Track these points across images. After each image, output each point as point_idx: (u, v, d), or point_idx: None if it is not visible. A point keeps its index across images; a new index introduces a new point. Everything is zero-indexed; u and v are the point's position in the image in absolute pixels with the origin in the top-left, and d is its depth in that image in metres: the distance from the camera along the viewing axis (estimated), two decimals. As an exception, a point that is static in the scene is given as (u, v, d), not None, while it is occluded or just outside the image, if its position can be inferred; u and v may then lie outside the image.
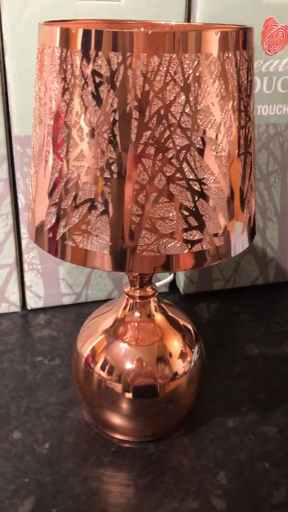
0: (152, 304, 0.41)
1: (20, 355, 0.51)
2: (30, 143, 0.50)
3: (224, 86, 0.30)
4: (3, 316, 0.57)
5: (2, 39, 0.47)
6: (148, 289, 0.41)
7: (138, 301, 0.41)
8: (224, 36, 0.29)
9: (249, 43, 0.31)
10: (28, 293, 0.57)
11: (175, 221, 0.31)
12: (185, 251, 0.32)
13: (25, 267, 0.56)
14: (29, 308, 0.58)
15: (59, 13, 0.46)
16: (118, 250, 0.31)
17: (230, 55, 0.29)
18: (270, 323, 0.57)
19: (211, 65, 0.29)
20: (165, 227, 0.31)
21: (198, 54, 0.28)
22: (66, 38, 0.29)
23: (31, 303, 0.58)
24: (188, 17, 0.50)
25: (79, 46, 0.29)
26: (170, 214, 0.31)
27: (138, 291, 0.41)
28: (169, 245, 0.31)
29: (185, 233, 0.31)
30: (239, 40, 0.30)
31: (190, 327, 0.43)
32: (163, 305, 0.42)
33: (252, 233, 0.36)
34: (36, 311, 0.58)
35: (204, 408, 0.45)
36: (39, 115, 0.32)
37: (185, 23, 0.39)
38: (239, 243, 0.35)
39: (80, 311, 0.58)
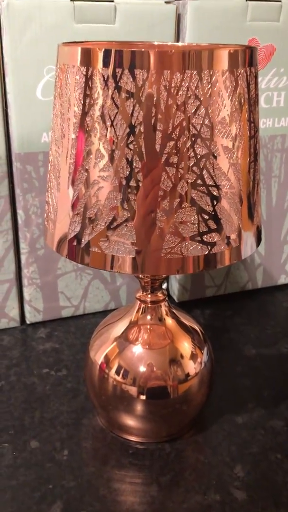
0: (163, 308, 0.43)
1: (26, 368, 0.52)
2: (29, 160, 0.51)
3: (237, 100, 0.32)
4: (3, 331, 0.58)
5: (2, 60, 0.49)
6: (159, 294, 0.43)
7: (149, 305, 0.43)
8: (237, 55, 0.32)
9: (255, 61, 0.34)
10: (27, 308, 0.58)
11: (196, 225, 0.33)
12: (206, 253, 0.34)
13: (25, 282, 0.57)
14: (28, 322, 0.59)
15: (58, 35, 0.48)
16: (143, 254, 0.33)
17: (242, 71, 0.32)
18: (263, 326, 0.59)
19: (226, 81, 0.31)
20: (187, 231, 0.33)
21: (216, 71, 0.31)
22: (89, 57, 0.31)
23: (31, 318, 0.58)
24: (177, 38, 0.53)
25: (103, 65, 0.31)
26: (192, 218, 0.33)
27: (149, 296, 0.43)
28: (191, 248, 0.33)
29: (205, 236, 0.34)
30: (248, 58, 0.33)
31: (197, 328, 0.45)
32: (173, 309, 0.44)
33: (259, 236, 0.39)
34: (36, 325, 0.59)
35: (213, 407, 0.47)
36: (61, 130, 0.34)
37: (191, 44, 0.42)
38: (249, 245, 0.37)
39: (79, 323, 0.59)
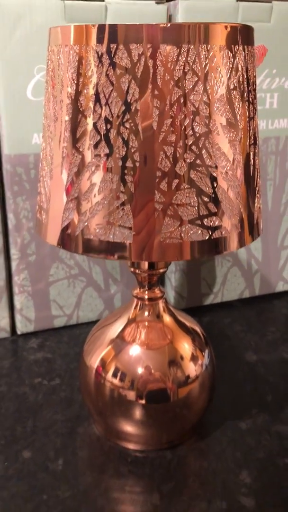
0: (161, 305, 0.41)
1: (17, 378, 0.49)
2: (19, 162, 0.50)
3: (236, 78, 0.31)
4: (-7, 342, 0.55)
5: (-8, 59, 0.48)
6: (157, 291, 0.41)
7: (147, 302, 0.41)
8: (234, 30, 0.31)
9: (252, 40, 0.33)
10: (18, 317, 0.56)
11: (196, 207, 0.32)
12: (206, 237, 0.32)
13: (15, 289, 0.55)
14: (19, 333, 0.56)
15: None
16: (141, 239, 0.32)
17: (239, 48, 0.31)
18: (264, 332, 0.57)
19: (224, 57, 0.30)
20: (187, 214, 0.32)
21: (213, 45, 0.30)
22: (82, 35, 0.30)
23: (22, 328, 0.56)
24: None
25: (97, 41, 0.30)
26: (192, 201, 0.31)
27: (147, 292, 0.41)
28: (191, 232, 0.32)
29: (206, 219, 0.32)
30: (245, 36, 0.32)
31: (198, 330, 0.43)
32: (171, 308, 0.42)
33: (258, 227, 0.37)
34: (27, 335, 0.57)
35: (215, 413, 0.45)
36: (53, 113, 0.33)
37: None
38: (248, 234, 0.35)
39: (72, 333, 0.57)
